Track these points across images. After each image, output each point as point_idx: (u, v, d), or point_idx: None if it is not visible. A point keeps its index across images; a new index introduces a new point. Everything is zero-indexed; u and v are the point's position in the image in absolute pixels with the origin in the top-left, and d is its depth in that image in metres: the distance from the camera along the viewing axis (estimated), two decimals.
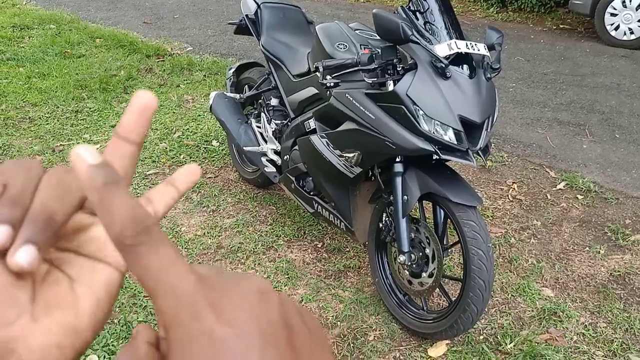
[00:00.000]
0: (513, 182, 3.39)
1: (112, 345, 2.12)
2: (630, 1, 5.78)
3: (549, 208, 3.15)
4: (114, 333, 2.18)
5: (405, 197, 2.07)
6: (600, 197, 3.26)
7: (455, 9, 6.79)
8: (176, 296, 0.24)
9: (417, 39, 1.93)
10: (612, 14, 5.91)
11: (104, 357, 2.07)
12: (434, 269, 2.11)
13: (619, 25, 5.90)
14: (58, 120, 4.04)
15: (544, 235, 2.92)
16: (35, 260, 0.26)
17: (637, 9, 5.77)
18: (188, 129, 3.94)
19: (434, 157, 2.01)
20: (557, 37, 6.46)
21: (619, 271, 2.66)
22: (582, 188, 3.33)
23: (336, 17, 6.48)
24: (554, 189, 3.34)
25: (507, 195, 3.27)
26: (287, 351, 0.25)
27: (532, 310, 2.41)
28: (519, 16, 7.26)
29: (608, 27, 5.96)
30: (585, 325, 2.35)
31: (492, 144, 3.82)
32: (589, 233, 2.95)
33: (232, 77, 3.17)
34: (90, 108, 4.25)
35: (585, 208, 3.16)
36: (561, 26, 6.90)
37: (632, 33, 5.85)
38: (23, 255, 0.26)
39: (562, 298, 2.49)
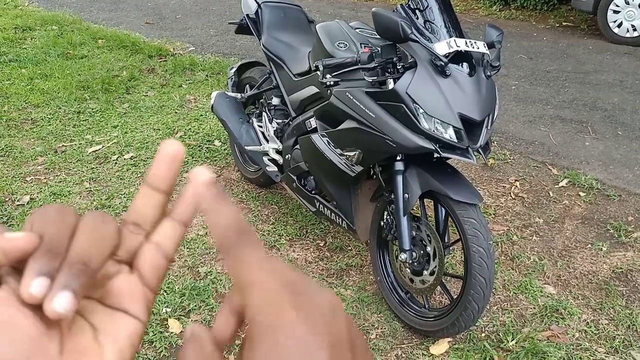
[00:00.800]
0: (515, 180, 3.39)
1: None
2: None
3: (551, 205, 3.15)
4: None
5: (406, 195, 2.08)
6: (603, 194, 3.26)
7: (457, 7, 6.76)
8: (265, 290, 0.28)
9: (417, 37, 1.93)
10: (615, 11, 5.89)
11: None
12: (435, 266, 2.11)
13: (621, 22, 5.88)
14: (60, 121, 4.05)
15: (546, 232, 2.92)
16: (72, 307, 0.27)
17: (639, 6, 5.75)
18: (190, 129, 3.95)
19: (434, 155, 2.01)
20: (560, 35, 6.44)
21: (621, 268, 2.66)
22: (585, 185, 3.32)
23: (338, 16, 6.48)
24: (556, 186, 3.34)
25: (510, 193, 3.27)
26: (347, 356, 0.28)
27: (534, 308, 2.41)
28: (521, 14, 7.24)
29: (611, 24, 5.93)
30: (587, 322, 2.34)
31: (493, 142, 3.82)
32: (591, 230, 2.94)
33: (233, 77, 3.18)
34: (92, 109, 4.27)
35: (587, 205, 3.15)
36: (564, 24, 6.88)
37: (635, 30, 5.83)
38: (61, 302, 0.27)
39: (564, 295, 2.49)
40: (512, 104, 4.44)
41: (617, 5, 5.86)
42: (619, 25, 5.89)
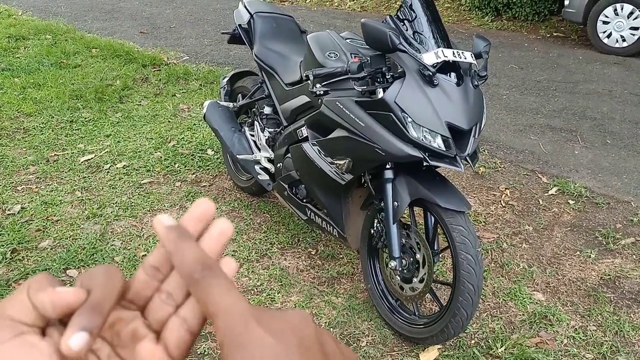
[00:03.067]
0: (505, 188, 3.42)
1: None
2: (622, 9, 5.84)
3: (540, 213, 3.18)
4: None
5: (396, 203, 2.10)
6: (592, 202, 3.29)
7: (450, 18, 6.83)
8: (232, 314, 0.30)
9: (405, 47, 1.96)
10: (605, 22, 5.97)
11: None
12: (425, 274, 2.13)
13: (611, 33, 5.96)
14: (53, 130, 4.06)
15: (535, 240, 2.95)
16: (87, 346, 0.30)
17: (628, 17, 5.83)
18: (183, 137, 3.97)
19: (424, 164, 2.03)
20: (550, 45, 6.51)
21: (609, 275, 2.68)
22: (574, 193, 3.35)
23: (332, 26, 6.53)
24: (545, 194, 3.37)
25: (500, 201, 3.30)
26: (318, 356, 0.30)
27: (523, 314, 2.43)
28: (513, 25, 7.32)
29: (600, 35, 6.02)
30: (576, 328, 2.36)
31: (484, 151, 3.86)
32: (580, 237, 2.97)
33: (226, 86, 3.20)
34: (85, 118, 4.28)
35: (576, 213, 3.18)
36: (555, 34, 6.96)
37: (624, 40, 5.91)
38: (77, 340, 0.30)
39: (552, 302, 2.51)
40: (502, 113, 4.49)
41: (607, 16, 5.94)
42: (609, 36, 5.97)
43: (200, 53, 5.99)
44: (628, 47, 5.87)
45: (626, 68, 5.58)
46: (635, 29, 5.80)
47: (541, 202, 3.29)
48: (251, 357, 0.29)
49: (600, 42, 6.02)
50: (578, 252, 2.85)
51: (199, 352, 2.17)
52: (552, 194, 3.37)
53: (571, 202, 3.29)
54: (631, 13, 5.79)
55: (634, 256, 2.83)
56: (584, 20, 6.05)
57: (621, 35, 5.90)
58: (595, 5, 5.95)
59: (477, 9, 7.48)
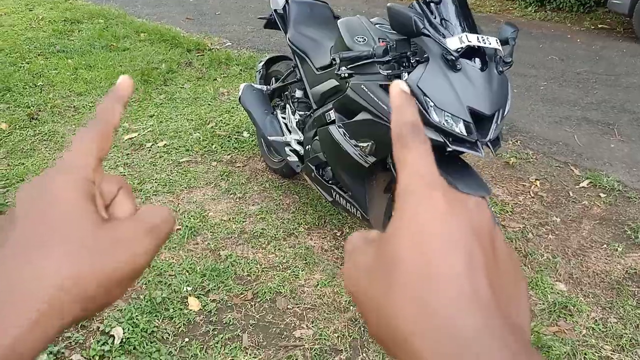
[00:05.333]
0: (536, 179, 3.41)
1: (137, 319, 2.27)
2: None
3: (570, 205, 3.16)
4: (138, 307, 2.33)
5: None
6: (624, 196, 3.25)
7: (492, 7, 6.73)
8: (420, 173, 0.30)
9: (429, 32, 2.00)
10: None
11: (129, 329, 2.22)
12: None
13: None
14: None
15: (562, 231, 2.94)
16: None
17: None
18: (221, 120, 4.11)
19: (447, 150, 2.07)
20: (594, 37, 6.34)
21: (635, 269, 2.66)
22: (606, 186, 3.31)
23: (372, 15, 6.54)
24: (576, 186, 3.34)
25: (529, 192, 3.29)
26: (488, 252, 0.29)
27: (543, 304, 2.45)
28: (557, 15, 7.15)
29: None
30: (596, 320, 2.37)
31: (517, 141, 3.84)
32: (608, 231, 2.95)
33: (261, 70, 3.31)
34: (131, 98, 4.45)
35: (607, 206, 3.15)
36: (600, 26, 6.77)
37: None
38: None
39: (574, 293, 2.52)
40: (539, 105, 4.43)
41: None
42: None
43: (243, 39, 6.13)
44: None
45: None
46: None
47: (571, 194, 3.26)
48: (423, 214, 0.28)
49: None
50: (605, 245, 2.83)
51: (224, 322, 2.30)
52: (583, 187, 3.34)
53: (602, 195, 3.25)
54: None
55: None
56: (630, 11, 5.86)
57: None
58: None
59: None
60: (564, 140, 3.90)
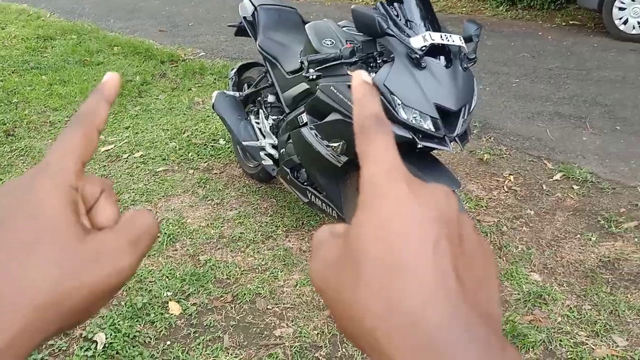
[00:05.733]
0: (509, 174, 3.47)
1: (119, 324, 2.28)
2: None
3: (543, 198, 3.22)
4: (120, 313, 2.33)
5: None
6: (597, 187, 3.31)
7: (464, 8, 6.82)
8: (384, 164, 0.29)
9: (393, 32, 2.05)
10: (621, 8, 5.91)
11: (111, 334, 2.23)
12: None
13: (627, 19, 5.90)
14: None
15: (536, 223, 2.99)
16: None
17: None
18: (197, 129, 4.12)
19: (418, 146, 2.11)
20: (565, 33, 6.47)
21: (608, 257, 2.72)
22: (579, 178, 3.38)
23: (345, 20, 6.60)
24: (550, 180, 3.41)
25: (503, 186, 3.35)
26: (455, 240, 0.28)
27: (519, 294, 2.49)
28: (528, 13, 7.28)
29: (616, 22, 5.95)
30: (570, 307, 2.41)
31: (490, 138, 3.90)
32: (581, 221, 3.01)
33: (234, 77, 3.33)
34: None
35: (580, 198, 3.21)
36: (571, 22, 6.90)
37: None
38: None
39: (549, 282, 2.56)
40: (511, 101, 4.51)
41: (623, 2, 5.87)
42: (625, 22, 5.91)
43: (216, 49, 6.15)
44: None
45: None
46: None
47: (545, 188, 3.32)
48: (387, 206, 0.27)
49: (616, 29, 5.96)
50: (579, 235, 2.89)
51: (205, 324, 2.30)
52: (556, 180, 3.40)
53: (575, 187, 3.32)
54: None
55: (636, 239, 2.85)
56: (599, 6, 5.99)
57: (638, 22, 5.83)
58: None
59: None
60: (537, 135, 3.97)
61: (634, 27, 5.88)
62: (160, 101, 4.67)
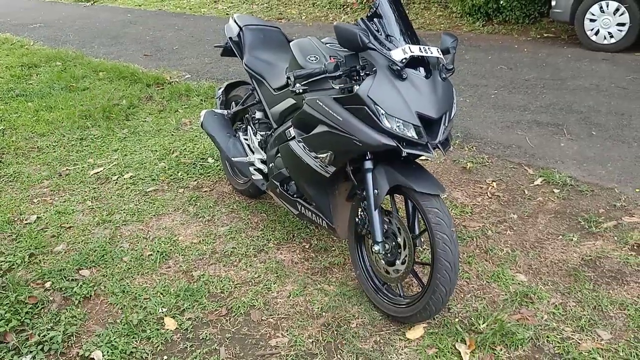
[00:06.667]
0: (492, 181, 3.57)
1: (115, 341, 2.30)
2: (608, 6, 6.00)
3: (525, 202, 3.32)
4: (116, 331, 2.36)
5: (376, 190, 2.26)
6: (576, 190, 3.43)
7: (442, 25, 7.05)
8: None
9: (375, 45, 2.14)
10: (591, 20, 6.13)
11: (108, 352, 2.25)
12: (406, 255, 2.29)
13: (598, 30, 6.12)
14: (64, 148, 4.30)
15: (519, 227, 3.09)
16: None
17: (614, 13, 5.99)
18: (185, 149, 4.19)
19: (402, 155, 2.19)
20: (540, 46, 6.68)
21: (590, 256, 2.81)
22: (559, 182, 3.49)
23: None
24: (531, 185, 3.52)
25: (487, 193, 3.45)
26: None
27: (506, 294, 2.56)
28: (504, 28, 7.51)
29: (588, 33, 6.17)
30: (556, 305, 2.49)
31: (472, 147, 4.01)
32: (563, 223, 3.11)
33: (221, 96, 3.41)
34: (94, 135, 4.52)
35: (560, 201, 3.32)
36: (545, 35, 7.13)
37: (612, 37, 6.06)
38: None
39: (534, 282, 2.64)
40: (490, 112, 4.65)
41: (593, 14, 6.10)
42: (596, 33, 6.13)
43: (201, 71, 6.24)
44: (616, 43, 6.02)
45: (614, 63, 5.72)
46: (622, 24, 5.95)
47: (527, 192, 3.43)
48: None
49: (588, 39, 6.18)
50: (561, 236, 2.99)
51: (200, 338, 2.34)
52: (537, 184, 3.51)
53: (556, 191, 3.43)
54: (617, 9, 5.95)
55: (615, 238, 2.95)
56: (572, 19, 6.21)
57: (609, 32, 6.05)
58: (581, 4, 6.11)
59: (468, 15, 7.68)
60: (517, 143, 4.10)
61: (604, 38, 6.10)
62: (148, 123, 4.73)
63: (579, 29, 6.23)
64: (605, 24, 6.05)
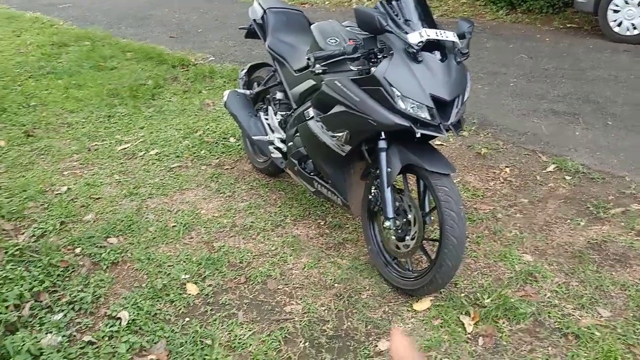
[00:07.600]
0: (505, 166, 3.65)
1: (140, 303, 2.46)
2: None
3: (537, 188, 3.40)
4: (141, 294, 2.52)
5: (389, 169, 2.38)
6: (587, 177, 3.50)
7: (465, 13, 7.07)
8: None
9: (392, 28, 2.24)
10: (615, 11, 6.10)
11: (134, 312, 2.42)
12: (416, 232, 2.41)
13: (621, 21, 6.09)
14: (93, 124, 4.49)
15: (529, 210, 3.18)
16: None
17: (638, 5, 5.95)
18: (208, 128, 4.34)
19: (417, 135, 2.29)
20: (562, 36, 6.67)
21: (596, 239, 2.90)
22: (571, 170, 3.56)
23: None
24: (543, 171, 3.59)
25: (499, 178, 3.53)
26: None
27: (511, 273, 2.67)
28: (527, 17, 7.49)
29: (611, 24, 6.15)
30: (559, 284, 2.59)
31: (488, 133, 4.09)
32: (572, 208, 3.19)
33: (244, 77, 3.55)
34: (121, 113, 4.70)
35: (571, 187, 3.40)
36: (568, 25, 7.11)
37: (635, 28, 6.03)
38: None
39: (540, 262, 2.74)
40: (508, 100, 4.71)
41: (617, 5, 6.07)
42: (619, 25, 6.10)
43: (225, 54, 6.38)
44: (638, 34, 5.98)
45: (635, 55, 5.71)
46: None
47: (538, 178, 3.51)
48: None
49: (611, 31, 6.15)
50: (569, 221, 3.07)
51: (220, 302, 2.50)
52: (549, 171, 3.59)
53: (567, 177, 3.50)
54: None
55: (622, 223, 3.03)
56: (595, 9, 6.19)
57: (632, 24, 6.02)
58: None
59: (492, 3, 7.67)
60: (532, 130, 4.16)
61: (627, 29, 6.07)
62: (173, 103, 4.89)
63: (602, 19, 6.20)
64: (629, 15, 6.02)
